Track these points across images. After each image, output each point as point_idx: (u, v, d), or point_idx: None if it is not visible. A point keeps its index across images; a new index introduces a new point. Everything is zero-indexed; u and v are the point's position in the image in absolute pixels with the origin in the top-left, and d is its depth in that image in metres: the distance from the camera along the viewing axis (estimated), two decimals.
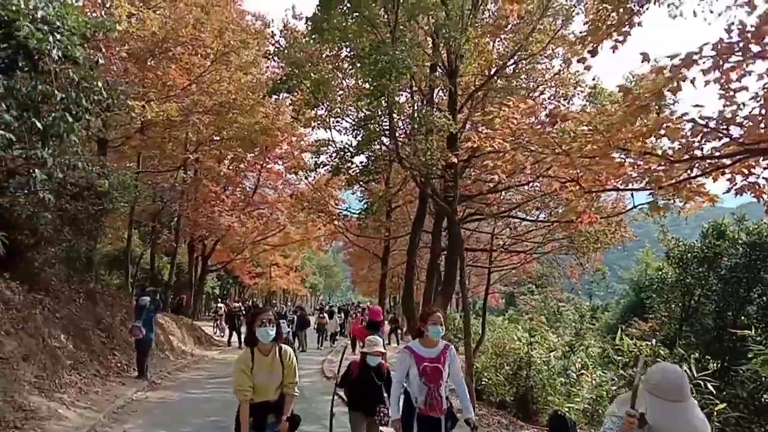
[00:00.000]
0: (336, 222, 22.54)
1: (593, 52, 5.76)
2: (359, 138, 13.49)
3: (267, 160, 31.32)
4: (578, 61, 5.90)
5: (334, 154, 14.55)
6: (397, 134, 12.57)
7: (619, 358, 15.99)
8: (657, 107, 5.23)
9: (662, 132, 6.16)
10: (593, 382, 16.12)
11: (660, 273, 17.27)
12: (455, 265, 15.14)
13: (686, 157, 6.40)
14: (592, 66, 7.47)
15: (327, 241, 36.89)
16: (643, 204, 14.60)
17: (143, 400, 12.54)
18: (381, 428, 6.46)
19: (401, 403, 5.38)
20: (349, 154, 13.51)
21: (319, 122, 19.70)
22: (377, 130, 12.85)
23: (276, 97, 28.10)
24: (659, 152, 6.68)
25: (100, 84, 6.84)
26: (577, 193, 6.19)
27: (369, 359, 6.34)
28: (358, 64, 12.40)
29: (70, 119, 6.24)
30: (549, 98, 17.13)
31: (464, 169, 15.65)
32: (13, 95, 6.30)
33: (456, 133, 12.64)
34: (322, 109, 15.88)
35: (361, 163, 13.74)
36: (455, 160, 10.63)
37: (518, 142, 6.59)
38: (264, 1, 31.22)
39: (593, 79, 15.46)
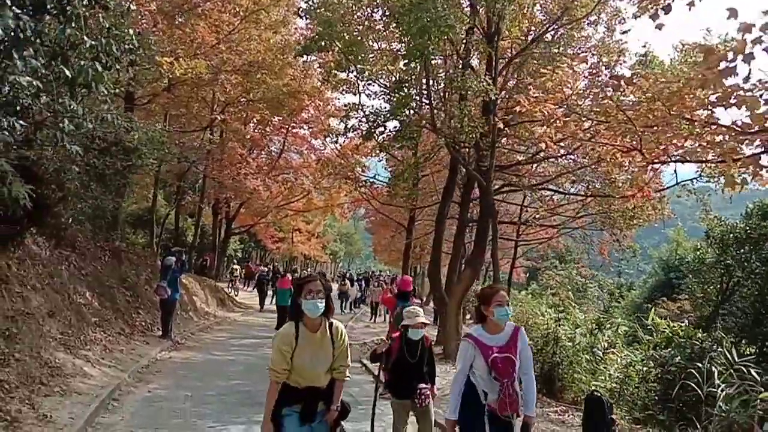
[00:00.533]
0: (362, 189, 22.15)
1: (666, 9, 5.21)
2: (393, 102, 12.96)
3: (293, 124, 30.91)
4: (650, 17, 5.32)
5: (365, 119, 14.05)
6: (432, 99, 12.02)
7: (650, 338, 15.56)
8: (748, 70, 4.66)
9: (733, 101, 5.65)
10: (621, 361, 15.75)
11: (698, 253, 16.65)
12: (486, 234, 14.74)
13: (756, 129, 5.89)
14: (664, 24, 6.68)
15: (350, 208, 36.66)
16: (686, 180, 14.02)
17: (167, 360, 12.53)
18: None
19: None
20: (381, 118, 13.03)
21: (348, 86, 19.23)
22: (412, 93, 12.31)
23: (304, 59, 27.72)
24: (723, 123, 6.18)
25: (131, 32, 6.46)
26: (638, 163, 5.71)
27: (411, 333, 5.81)
28: (394, 24, 11.84)
29: (100, 68, 5.90)
30: (590, 67, 16.39)
31: (498, 138, 15.06)
32: (41, 40, 5.97)
33: (495, 99, 12.07)
34: (353, 71, 15.35)
35: (394, 128, 13.29)
36: (501, 125, 10.08)
37: (572, 108, 6.07)
38: None
39: (643, 46, 14.65)
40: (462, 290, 14.94)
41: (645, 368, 13.66)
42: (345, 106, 16.75)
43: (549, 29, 13.51)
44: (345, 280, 29.09)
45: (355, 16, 15.60)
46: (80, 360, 9.48)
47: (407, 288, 11.10)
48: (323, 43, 14.68)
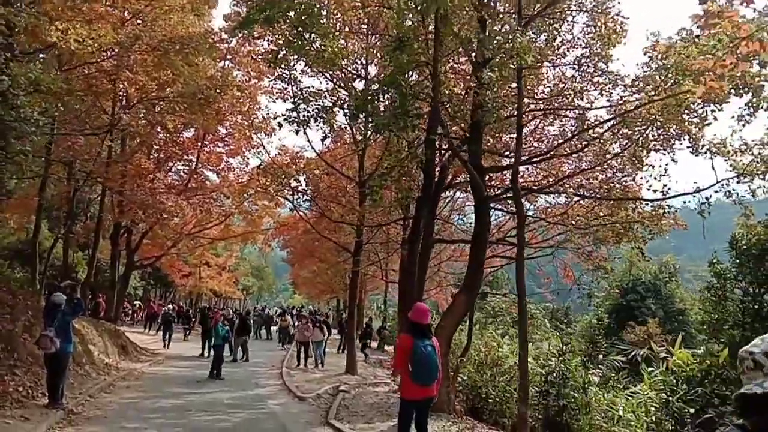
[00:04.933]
0: (303, 204, 18.76)
1: None
2: (392, 64, 9.68)
3: (206, 141, 27.09)
4: None
5: (354, 94, 10.81)
6: (438, 67, 8.95)
7: (662, 370, 13.01)
8: None
9: None
10: (636, 401, 13.26)
11: (716, 267, 14.58)
12: (484, 251, 11.86)
13: None
14: None
15: (275, 234, 32.73)
16: (724, 179, 11.77)
17: None
18: None
19: None
20: (375, 89, 9.81)
21: (286, 85, 16.04)
22: (414, 56, 9.14)
23: (222, 64, 24.24)
24: None
25: None
26: None
27: None
28: None
29: None
30: (578, 58, 14.16)
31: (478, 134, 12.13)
32: None
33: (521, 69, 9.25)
34: (307, 53, 12.07)
35: (392, 103, 10.01)
36: None
37: None
38: None
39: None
40: (454, 322, 11.82)
41: (693, 410, 11.11)
42: (302, 90, 13.49)
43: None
44: (285, 315, 25.68)
45: None
46: None
47: (423, 320, 7.80)
48: (269, 13, 11.44)
